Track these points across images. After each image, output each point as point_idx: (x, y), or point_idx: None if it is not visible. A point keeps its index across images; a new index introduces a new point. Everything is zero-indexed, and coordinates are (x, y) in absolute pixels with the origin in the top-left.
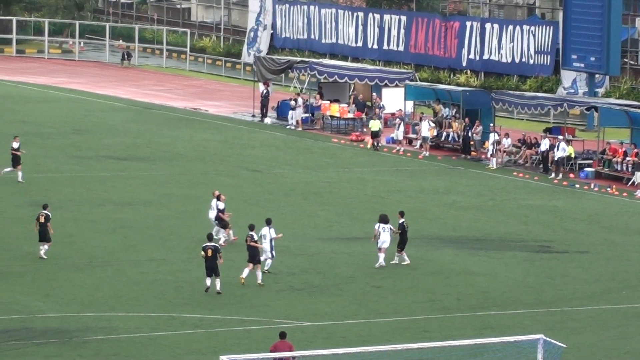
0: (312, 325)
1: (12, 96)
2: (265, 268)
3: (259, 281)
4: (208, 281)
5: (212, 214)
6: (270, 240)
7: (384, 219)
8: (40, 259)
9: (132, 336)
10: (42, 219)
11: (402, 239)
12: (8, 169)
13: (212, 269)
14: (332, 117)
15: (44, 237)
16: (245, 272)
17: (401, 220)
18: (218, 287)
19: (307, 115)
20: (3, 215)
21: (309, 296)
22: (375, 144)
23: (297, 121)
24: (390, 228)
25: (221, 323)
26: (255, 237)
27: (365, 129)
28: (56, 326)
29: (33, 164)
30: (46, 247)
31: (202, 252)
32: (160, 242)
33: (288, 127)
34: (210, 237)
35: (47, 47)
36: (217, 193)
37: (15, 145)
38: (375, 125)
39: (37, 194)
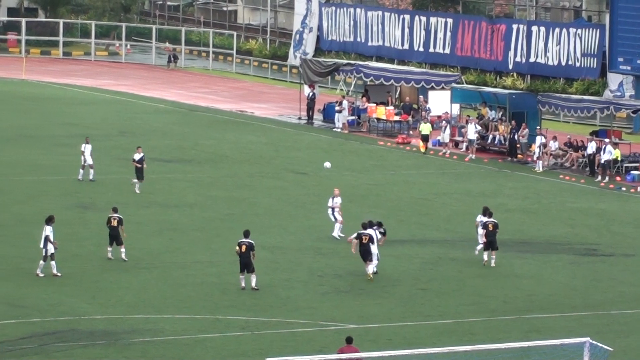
0: (358, 327)
1: (58, 98)
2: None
3: (370, 276)
4: (242, 281)
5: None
6: (377, 241)
7: (485, 211)
8: (108, 259)
9: (178, 338)
10: (114, 223)
11: (487, 239)
12: (136, 180)
13: (245, 265)
14: (378, 119)
15: (114, 240)
16: (370, 269)
17: (483, 219)
18: (253, 283)
19: (353, 117)
20: None
21: (355, 298)
22: (427, 147)
23: (343, 124)
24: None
25: (267, 325)
26: (375, 236)
27: (411, 132)
28: (102, 328)
29: (79, 167)
30: (123, 249)
31: (237, 248)
32: (206, 244)
33: (334, 129)
34: (246, 234)
35: (94, 50)
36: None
37: (137, 156)
38: (426, 128)
39: (83, 196)
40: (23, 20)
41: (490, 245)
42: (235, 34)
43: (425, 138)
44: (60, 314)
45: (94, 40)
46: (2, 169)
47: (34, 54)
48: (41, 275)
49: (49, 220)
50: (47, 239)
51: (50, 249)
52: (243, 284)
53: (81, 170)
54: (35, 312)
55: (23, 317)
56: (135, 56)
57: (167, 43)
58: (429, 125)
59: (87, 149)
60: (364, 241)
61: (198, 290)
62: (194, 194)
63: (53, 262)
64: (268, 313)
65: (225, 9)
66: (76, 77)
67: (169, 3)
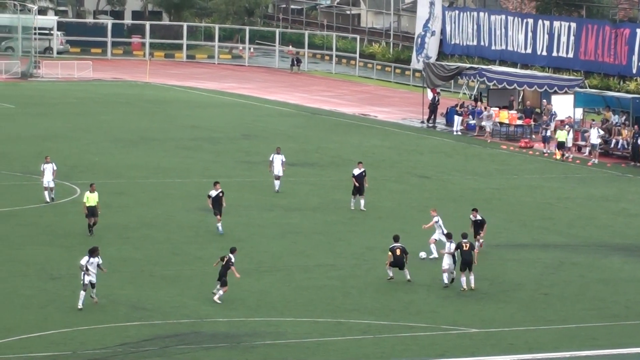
0: (480, 331)
1: (182, 101)
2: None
3: (472, 285)
4: (390, 272)
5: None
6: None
7: None
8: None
9: (300, 341)
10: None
11: None
12: (353, 198)
13: (397, 266)
14: (500, 123)
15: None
16: (472, 280)
17: None
18: (408, 276)
19: (474, 122)
20: (173, 220)
21: (477, 302)
22: (563, 155)
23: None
24: None
25: (389, 329)
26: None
27: (534, 136)
28: (225, 330)
29: (202, 169)
30: (221, 292)
31: (390, 253)
32: (328, 248)
33: (455, 133)
34: (396, 238)
35: (217, 53)
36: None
37: (357, 171)
38: (562, 135)
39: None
40: (147, 24)
41: None
42: (358, 37)
43: (561, 145)
44: (183, 317)
45: (217, 44)
46: (126, 172)
47: (157, 57)
48: (81, 307)
49: (92, 252)
50: (83, 268)
51: (88, 279)
52: (391, 273)
53: (276, 182)
54: (157, 315)
55: (146, 319)
56: (258, 59)
57: (290, 46)
58: (564, 132)
59: (276, 159)
60: (464, 249)
61: (320, 293)
62: (316, 197)
63: (94, 290)
64: (390, 317)
65: (348, 12)
66: (199, 80)
67: (292, 6)
